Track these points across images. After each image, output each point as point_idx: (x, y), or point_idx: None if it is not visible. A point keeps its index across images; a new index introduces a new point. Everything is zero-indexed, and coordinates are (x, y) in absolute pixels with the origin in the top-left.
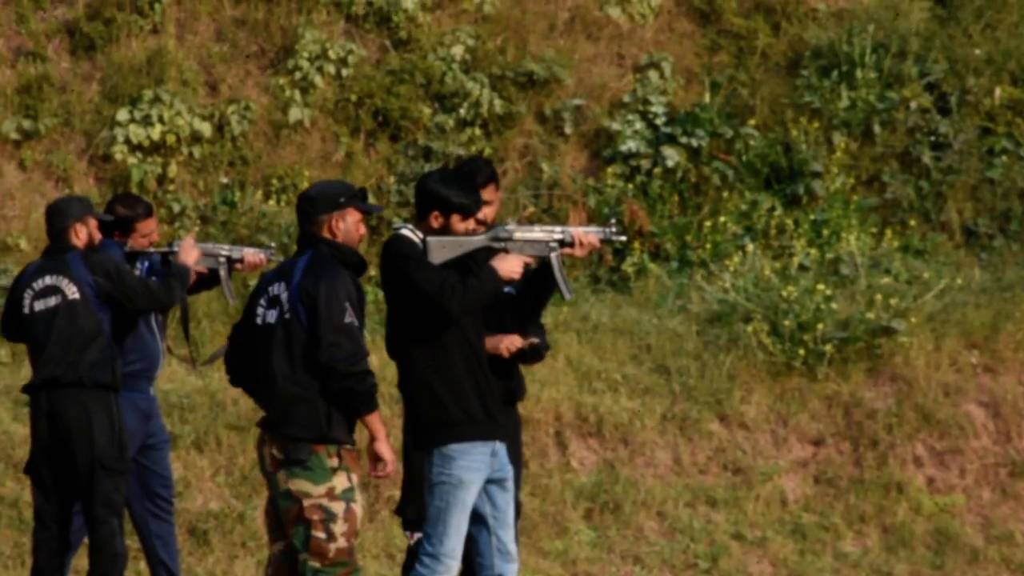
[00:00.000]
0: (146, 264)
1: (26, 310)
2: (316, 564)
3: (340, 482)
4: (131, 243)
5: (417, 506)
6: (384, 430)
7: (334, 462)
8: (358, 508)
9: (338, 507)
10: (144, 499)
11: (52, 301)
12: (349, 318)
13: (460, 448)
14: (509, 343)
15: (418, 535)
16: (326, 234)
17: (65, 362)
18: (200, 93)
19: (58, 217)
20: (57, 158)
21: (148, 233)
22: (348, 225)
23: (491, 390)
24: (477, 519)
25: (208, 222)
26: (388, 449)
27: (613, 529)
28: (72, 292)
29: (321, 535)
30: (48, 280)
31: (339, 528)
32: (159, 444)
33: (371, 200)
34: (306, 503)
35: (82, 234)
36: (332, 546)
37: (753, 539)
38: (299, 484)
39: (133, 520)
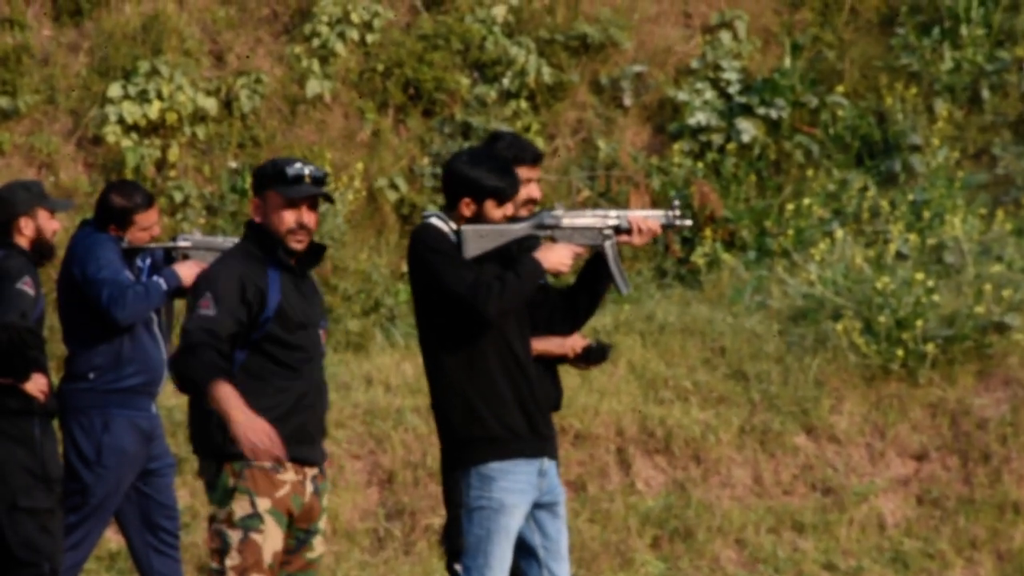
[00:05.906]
0: (147, 261)
1: None
2: None
3: (240, 507)
4: (129, 238)
5: None
6: (232, 402)
7: (234, 482)
8: (261, 538)
9: (234, 536)
10: (145, 532)
11: None
12: (204, 302)
13: (501, 467)
14: (573, 343)
15: None
16: (255, 216)
17: None
18: (204, 64)
19: (1, 209)
20: (40, 141)
21: (148, 226)
22: (267, 209)
23: (536, 400)
24: (525, 550)
25: (215, 213)
26: (237, 422)
27: (685, 559)
28: None
29: (215, 566)
30: None
31: (231, 560)
32: (163, 469)
33: (402, 184)
34: (211, 528)
35: (28, 229)
36: None
37: (847, 569)
38: (212, 507)
39: (134, 556)
